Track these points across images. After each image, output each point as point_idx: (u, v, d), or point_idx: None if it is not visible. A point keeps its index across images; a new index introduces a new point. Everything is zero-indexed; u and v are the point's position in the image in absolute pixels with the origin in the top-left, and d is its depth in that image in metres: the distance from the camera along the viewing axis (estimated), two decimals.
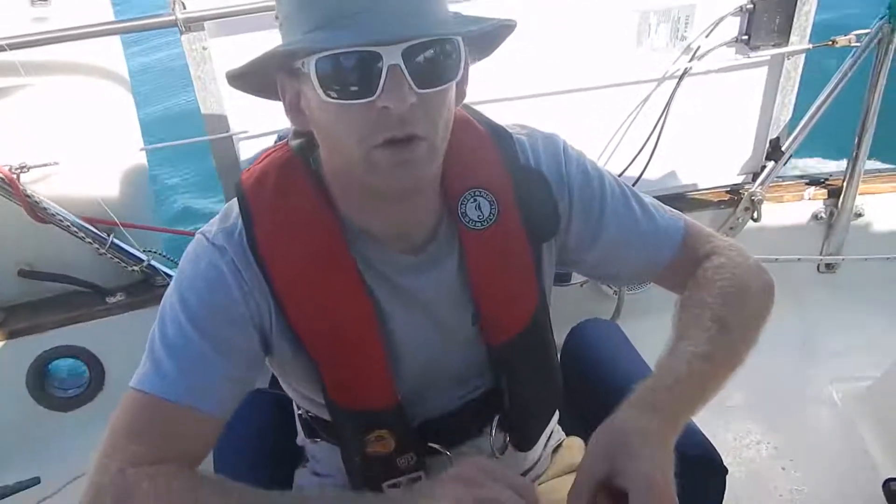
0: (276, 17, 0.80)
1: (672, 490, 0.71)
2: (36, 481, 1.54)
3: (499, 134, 0.94)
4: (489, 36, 0.85)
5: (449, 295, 0.92)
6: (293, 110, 0.83)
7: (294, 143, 0.90)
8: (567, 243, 0.98)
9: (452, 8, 0.79)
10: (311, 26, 0.72)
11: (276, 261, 0.84)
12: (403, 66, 0.71)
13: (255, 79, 0.84)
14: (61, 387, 1.83)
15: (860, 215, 2.12)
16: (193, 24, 1.53)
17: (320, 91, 0.74)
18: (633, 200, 0.98)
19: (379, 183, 0.78)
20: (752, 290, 0.91)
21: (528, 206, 0.92)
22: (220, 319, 0.83)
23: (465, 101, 0.90)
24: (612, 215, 0.96)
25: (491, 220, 0.90)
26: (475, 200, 0.90)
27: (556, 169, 0.94)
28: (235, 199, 0.88)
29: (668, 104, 1.88)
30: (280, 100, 0.84)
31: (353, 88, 0.72)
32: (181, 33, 1.54)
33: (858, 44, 1.85)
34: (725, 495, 1.06)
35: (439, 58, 0.73)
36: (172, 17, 1.51)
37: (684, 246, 0.97)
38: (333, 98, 0.74)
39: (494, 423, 1.01)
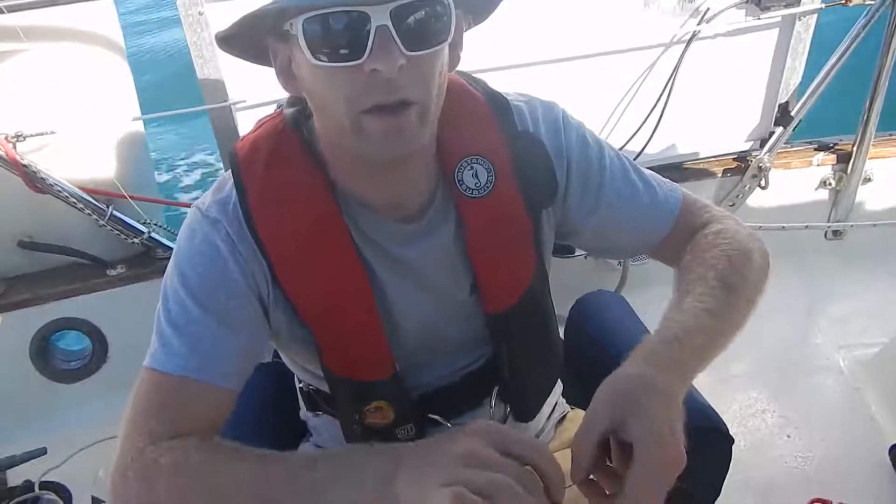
0: None
1: (680, 446, 0.69)
2: (43, 451, 1.55)
3: (496, 101, 0.92)
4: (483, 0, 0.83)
5: (446, 264, 0.91)
6: (284, 75, 0.81)
7: (288, 111, 0.89)
8: (565, 213, 0.96)
9: None
10: None
11: (270, 230, 0.84)
12: (392, 27, 0.69)
13: (247, 43, 0.82)
14: (65, 358, 1.84)
15: (869, 180, 2.10)
16: None
17: (308, 54, 0.72)
18: (632, 172, 0.97)
19: (369, 151, 0.77)
20: (752, 253, 0.90)
21: (525, 174, 0.91)
22: (220, 293, 0.83)
23: (463, 69, 0.88)
24: (611, 186, 0.95)
25: (488, 187, 0.89)
26: (472, 168, 0.88)
27: (554, 137, 0.93)
28: (230, 169, 0.87)
29: (675, 70, 1.84)
30: (271, 65, 0.82)
31: (342, 51, 0.71)
32: None
33: (872, 2, 1.80)
34: (731, 464, 1.05)
35: (429, 19, 0.72)
36: None
37: (681, 217, 0.96)
38: (322, 61, 0.72)
39: (494, 394, 1.01)
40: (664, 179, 1.00)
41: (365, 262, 0.87)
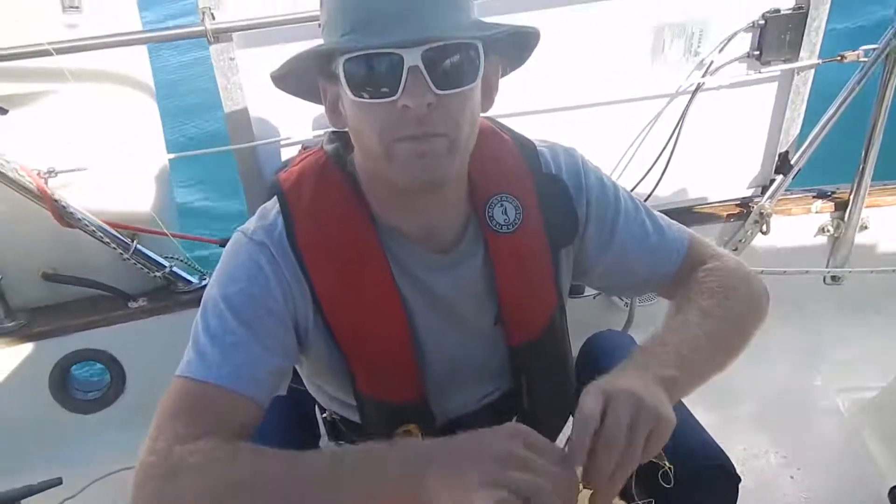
0: (319, 25, 0.85)
1: (657, 407, 0.72)
2: (58, 482, 1.56)
3: (523, 143, 0.99)
4: (518, 46, 0.89)
5: (473, 294, 0.95)
6: (332, 112, 0.88)
7: (328, 146, 0.95)
8: (582, 251, 1.01)
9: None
10: (343, 31, 0.78)
11: (315, 258, 0.88)
12: (423, 68, 0.76)
13: (296, 81, 0.89)
14: (83, 389, 1.85)
15: (866, 228, 2.15)
16: (222, 34, 1.56)
17: (348, 90, 0.79)
18: (644, 214, 1.03)
19: (400, 176, 0.82)
20: (737, 290, 0.95)
21: (549, 213, 0.96)
22: (259, 310, 0.86)
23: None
24: (625, 227, 1.00)
25: (516, 224, 0.94)
26: (502, 205, 0.94)
27: (575, 179, 0.99)
28: (271, 199, 0.92)
29: (681, 118, 1.91)
30: (322, 103, 0.89)
31: (378, 88, 0.77)
32: (209, 44, 1.57)
33: (866, 59, 1.88)
34: None
35: (459, 61, 0.78)
36: (202, 28, 1.54)
37: (688, 258, 1.02)
38: (361, 98, 0.79)
39: None
40: (673, 222, 1.05)
41: (399, 289, 0.91)
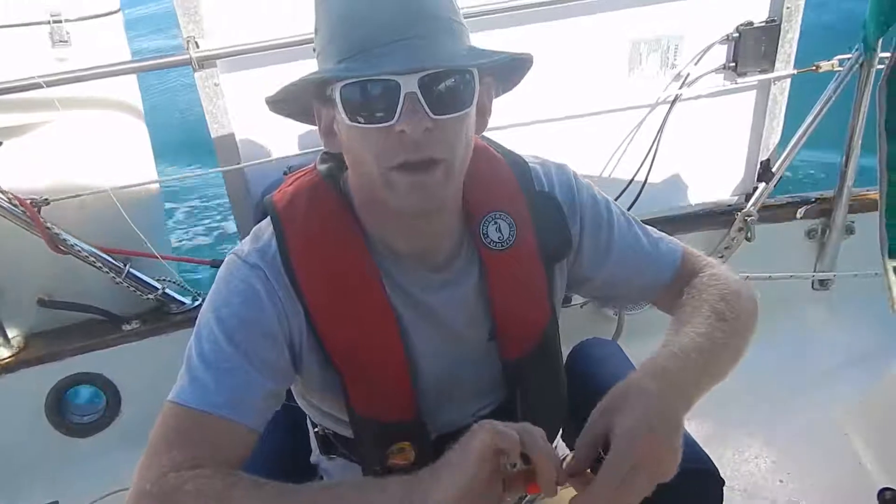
0: (314, 50, 0.87)
1: (661, 448, 0.72)
2: None
3: (515, 161, 1.01)
4: (510, 70, 0.91)
5: (467, 311, 0.96)
6: (326, 134, 0.89)
7: (322, 167, 0.96)
8: (578, 265, 1.03)
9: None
10: (339, 58, 0.79)
11: (309, 279, 0.88)
12: (420, 94, 0.76)
13: (291, 105, 0.91)
14: (78, 413, 1.86)
15: (851, 232, 2.16)
16: (206, 62, 1.61)
17: (345, 116, 0.80)
18: (636, 227, 1.05)
19: (397, 203, 0.83)
20: (742, 293, 0.97)
21: (543, 229, 0.98)
22: (254, 334, 0.86)
23: None
24: (619, 240, 1.02)
25: (510, 241, 0.95)
26: (496, 223, 0.96)
27: (568, 195, 1.00)
28: (264, 221, 0.93)
29: (660, 129, 1.94)
30: (316, 124, 0.90)
31: (374, 114, 0.79)
32: (195, 70, 1.61)
33: (841, 68, 1.91)
34: None
35: (455, 87, 0.79)
36: (187, 57, 1.58)
37: (682, 267, 1.03)
38: (358, 123, 0.80)
39: None
40: (663, 234, 1.08)
41: (394, 307, 0.92)
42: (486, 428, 0.72)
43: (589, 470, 0.76)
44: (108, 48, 1.62)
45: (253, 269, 0.88)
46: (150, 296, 1.82)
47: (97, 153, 1.72)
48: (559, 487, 0.74)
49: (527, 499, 1.04)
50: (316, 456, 1.16)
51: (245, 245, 0.92)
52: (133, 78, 1.71)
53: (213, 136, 1.72)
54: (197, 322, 0.89)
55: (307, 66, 0.85)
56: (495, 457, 0.71)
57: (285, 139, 1.74)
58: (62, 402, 1.83)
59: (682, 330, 0.88)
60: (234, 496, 0.76)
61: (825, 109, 1.96)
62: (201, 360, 0.85)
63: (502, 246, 0.95)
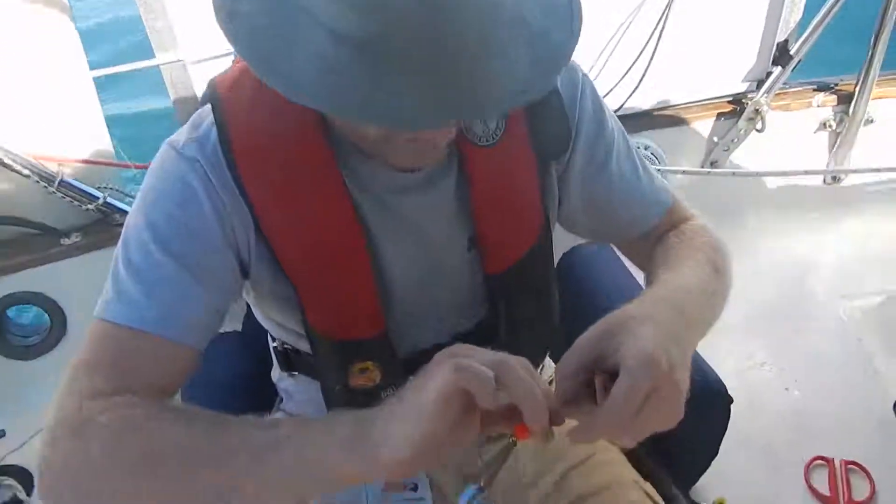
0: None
1: (677, 382, 0.62)
2: (1, 434, 1.48)
3: None
4: None
5: (445, 217, 0.86)
6: None
7: None
8: (565, 176, 0.92)
9: None
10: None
11: (255, 174, 0.77)
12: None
13: None
14: (21, 334, 1.75)
15: (871, 122, 2.03)
16: None
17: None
18: (635, 156, 0.95)
19: (392, 161, 0.77)
20: (727, 255, 0.90)
21: (538, 121, 0.86)
22: (191, 238, 0.75)
23: None
24: (616, 163, 0.92)
25: (497, 135, 0.84)
26: None
27: (571, 90, 0.88)
28: (207, 105, 0.79)
29: (666, 8, 1.76)
30: None
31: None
32: None
33: None
34: (730, 421, 1.04)
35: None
36: None
37: (672, 212, 0.95)
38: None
39: None
40: (657, 174, 0.99)
41: (358, 211, 0.81)
42: (449, 363, 0.59)
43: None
44: None
45: (190, 162, 0.76)
46: (90, 206, 1.65)
47: (20, 51, 1.52)
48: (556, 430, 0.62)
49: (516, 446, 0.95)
50: (277, 373, 1.07)
51: (182, 134, 0.79)
52: None
53: (146, 25, 1.53)
54: (125, 226, 0.78)
55: None
56: (462, 397, 0.59)
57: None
58: (3, 323, 1.70)
59: (682, 269, 0.82)
60: (154, 429, 0.67)
61: None
62: (130, 271, 0.74)
63: (488, 141, 0.84)
